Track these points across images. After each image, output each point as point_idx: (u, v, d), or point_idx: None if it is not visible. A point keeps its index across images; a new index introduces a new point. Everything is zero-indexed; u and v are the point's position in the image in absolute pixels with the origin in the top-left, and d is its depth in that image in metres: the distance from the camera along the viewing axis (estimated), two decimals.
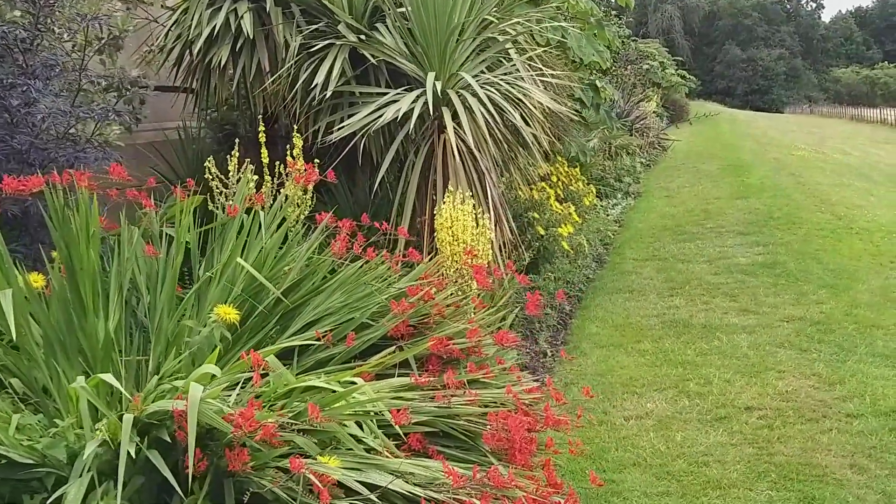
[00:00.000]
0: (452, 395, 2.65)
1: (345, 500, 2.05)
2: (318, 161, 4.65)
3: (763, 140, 22.27)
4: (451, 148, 4.43)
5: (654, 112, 22.08)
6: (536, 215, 6.56)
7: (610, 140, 12.55)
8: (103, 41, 4.99)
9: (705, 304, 5.74)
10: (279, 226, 3.34)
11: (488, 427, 2.49)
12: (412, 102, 4.50)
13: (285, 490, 2.01)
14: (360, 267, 3.16)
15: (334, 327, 2.95)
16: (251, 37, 5.05)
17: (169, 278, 2.87)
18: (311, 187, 4.43)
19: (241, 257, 3.25)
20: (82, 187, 2.68)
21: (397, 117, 4.42)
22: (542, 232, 6.42)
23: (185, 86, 5.78)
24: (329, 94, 4.87)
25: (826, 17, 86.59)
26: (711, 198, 11.03)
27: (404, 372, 2.82)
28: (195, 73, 5.58)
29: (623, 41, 15.83)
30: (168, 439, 2.06)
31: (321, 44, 4.93)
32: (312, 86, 4.87)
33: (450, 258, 4.00)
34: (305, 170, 3.83)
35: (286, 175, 4.01)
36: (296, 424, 2.23)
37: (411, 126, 4.48)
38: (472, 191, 4.86)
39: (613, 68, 16.07)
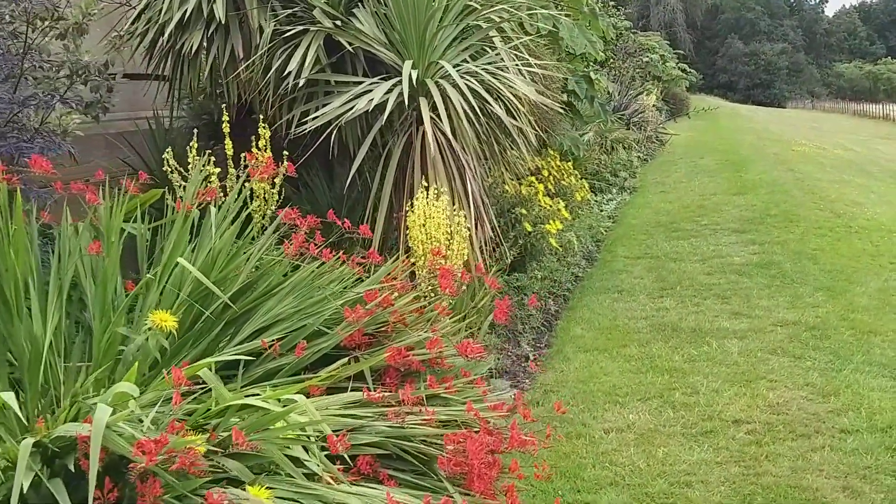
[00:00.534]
0: (408, 413, 2.42)
1: None
2: (287, 153, 4.42)
3: (763, 135, 22.01)
4: (429, 140, 4.19)
5: (654, 106, 21.82)
6: (524, 211, 6.32)
7: (605, 134, 12.29)
8: (68, 26, 4.75)
9: (696, 307, 5.51)
10: (234, 222, 3.11)
11: (444, 452, 2.26)
12: (386, 92, 4.26)
13: None
14: (317, 269, 2.93)
15: (285, 335, 2.72)
16: (224, 22, 4.80)
17: (102, 280, 2.64)
18: (278, 181, 4.20)
19: (191, 257, 3.02)
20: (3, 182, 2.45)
21: (370, 108, 4.18)
22: (530, 229, 6.19)
23: (157, 73, 5.56)
24: (302, 82, 4.64)
25: (830, 11, 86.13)
26: (708, 193, 10.79)
27: (358, 386, 2.59)
28: (167, 59, 5.36)
29: (621, 33, 15.57)
30: (73, 468, 1.84)
31: (295, 29, 4.69)
32: (285, 73, 4.65)
33: (422, 258, 3.77)
34: (266, 162, 3.57)
35: (252, 168, 3.77)
36: (229, 449, 2.01)
37: (384, 118, 4.24)
38: (451, 186, 4.63)
39: (611, 60, 15.82)
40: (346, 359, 2.62)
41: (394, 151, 4.66)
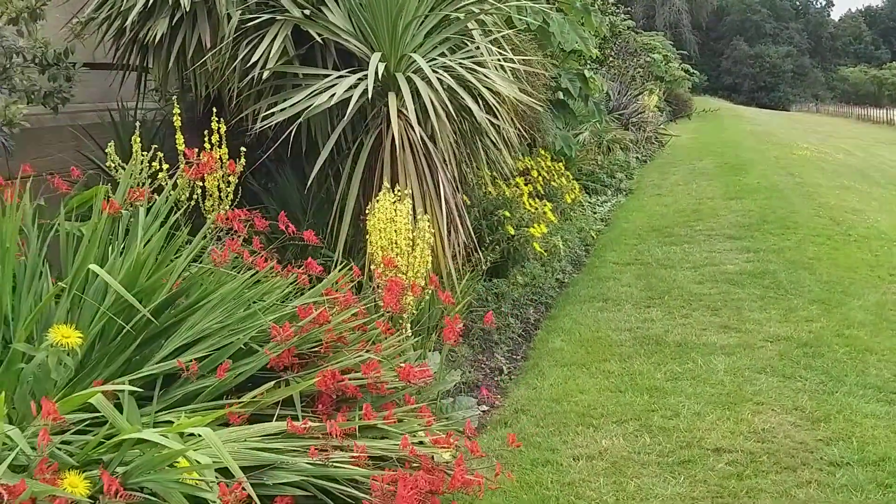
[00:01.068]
0: (336, 448, 2.14)
1: None
2: (245, 149, 4.15)
3: (765, 138, 21.66)
4: (395, 138, 3.91)
5: (655, 106, 21.49)
6: (507, 214, 6.04)
7: (602, 134, 11.99)
8: (20, 9, 4.51)
9: (684, 318, 5.23)
10: (164, 224, 2.83)
11: (371, 495, 1.99)
12: (351, 87, 3.98)
13: None
14: (249, 278, 2.65)
15: (210, 353, 2.45)
16: (188, 9, 4.53)
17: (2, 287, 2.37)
18: (233, 179, 3.93)
19: (118, 263, 2.75)
20: None
21: (331, 105, 3.91)
22: (513, 232, 5.91)
23: (122, 63, 5.29)
24: (267, 74, 4.37)
25: (835, 15, 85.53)
26: (705, 197, 10.50)
27: (287, 413, 2.32)
28: (132, 48, 5.10)
29: (620, 31, 15.27)
30: None
31: (261, 17, 4.42)
32: (249, 64, 4.38)
33: (382, 265, 3.48)
34: (207, 160, 3.29)
35: (186, 166, 3.49)
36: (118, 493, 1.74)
37: (348, 115, 3.96)
38: (422, 187, 4.36)
39: (610, 59, 15.54)
40: (272, 383, 2.34)
41: (362, 150, 4.39)
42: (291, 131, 4.11)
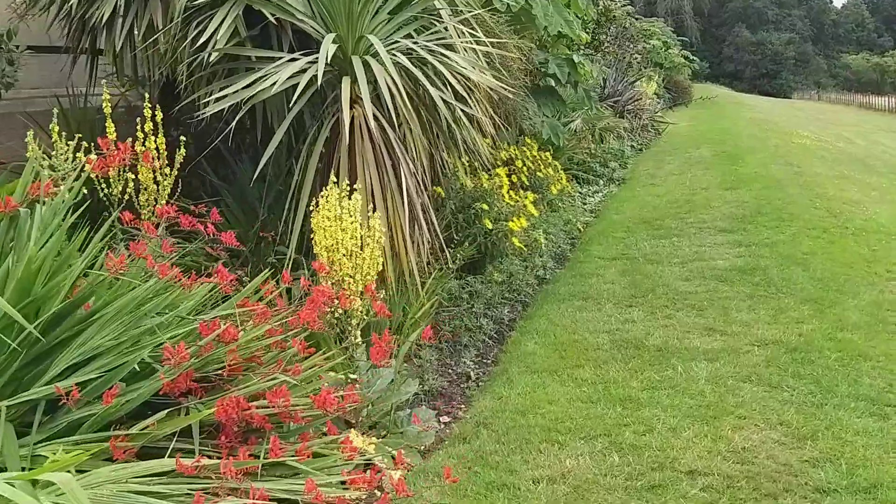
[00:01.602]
0: (233, 490, 1.84)
1: None
2: (184, 139, 3.84)
3: (765, 125, 21.25)
4: (344, 127, 3.60)
5: (654, 94, 21.08)
6: (486, 206, 5.71)
7: (594, 122, 11.64)
8: None
9: (667, 319, 4.92)
10: (65, 221, 2.52)
11: None
12: (299, 72, 3.66)
13: None
14: (160, 287, 2.34)
15: (101, 374, 2.14)
16: None
17: None
18: (169, 171, 3.62)
19: (15, 269, 2.44)
20: None
21: (272, 92, 3.59)
22: (490, 226, 5.59)
23: (72, 45, 4.99)
24: (216, 56, 4.07)
25: (838, 2, 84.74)
26: (699, 187, 10.16)
27: (183, 447, 2.01)
28: (81, 30, 4.80)
29: (615, 16, 14.89)
30: None
31: None
32: (198, 46, 4.07)
33: (329, 268, 3.17)
34: (120, 150, 2.98)
35: (107, 156, 3.18)
36: None
37: (295, 100, 3.64)
38: (381, 180, 4.04)
39: (606, 45, 15.17)
40: (165, 412, 2.03)
41: (318, 140, 4.08)
42: (237, 118, 3.79)
